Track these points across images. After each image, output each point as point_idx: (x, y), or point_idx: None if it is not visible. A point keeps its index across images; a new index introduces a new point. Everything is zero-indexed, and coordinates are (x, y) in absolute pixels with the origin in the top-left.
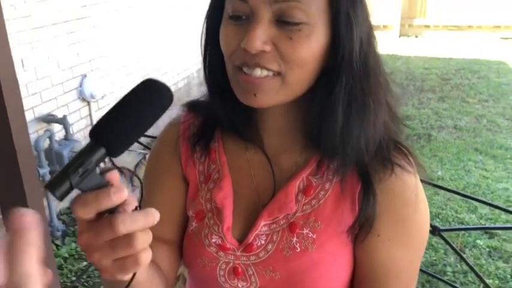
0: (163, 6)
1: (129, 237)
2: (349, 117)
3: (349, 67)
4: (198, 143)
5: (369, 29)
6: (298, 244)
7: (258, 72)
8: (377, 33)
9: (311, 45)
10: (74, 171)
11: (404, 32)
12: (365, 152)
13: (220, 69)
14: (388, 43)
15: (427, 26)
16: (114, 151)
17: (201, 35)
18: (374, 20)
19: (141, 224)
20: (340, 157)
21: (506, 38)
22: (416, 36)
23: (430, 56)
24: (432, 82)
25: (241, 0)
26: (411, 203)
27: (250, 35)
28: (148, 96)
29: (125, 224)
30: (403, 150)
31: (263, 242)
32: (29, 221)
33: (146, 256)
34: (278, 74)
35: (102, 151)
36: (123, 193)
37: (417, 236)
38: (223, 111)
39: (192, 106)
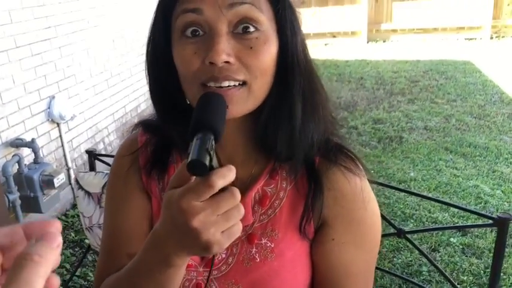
0: (130, 23)
1: (237, 207)
2: (305, 115)
3: (298, 69)
4: (157, 161)
5: (303, 37)
6: (257, 254)
7: (226, 83)
8: (346, 40)
9: (270, 51)
10: (211, 148)
11: (372, 37)
12: (313, 145)
13: (169, 92)
14: (357, 49)
15: (394, 30)
16: (219, 134)
17: (145, 61)
18: (342, 27)
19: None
20: (292, 160)
21: (471, 39)
22: (384, 41)
23: (398, 59)
24: (401, 85)
25: (196, 13)
26: (361, 205)
27: (215, 48)
28: (216, 101)
29: (238, 194)
30: (350, 155)
31: (224, 255)
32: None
33: (241, 225)
34: (244, 83)
35: (211, 136)
36: (233, 168)
37: (370, 237)
38: (176, 133)
39: (146, 126)
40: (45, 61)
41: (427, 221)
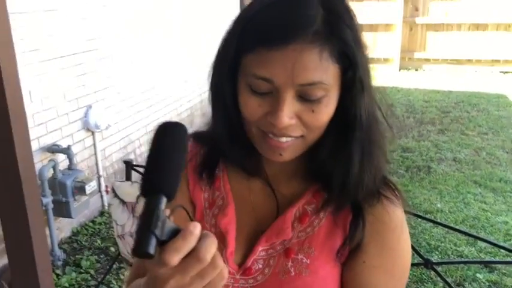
0: (168, 39)
1: (212, 261)
2: (362, 166)
3: (360, 124)
4: (204, 171)
5: (371, 87)
6: (292, 268)
7: (284, 139)
8: (378, 66)
9: (328, 111)
10: (155, 227)
11: (404, 65)
12: (364, 190)
13: (229, 116)
14: (388, 76)
15: (427, 60)
16: (172, 194)
17: (209, 84)
18: (375, 53)
19: (215, 244)
20: (341, 198)
21: (506, 72)
22: (416, 70)
23: (430, 88)
24: (432, 115)
25: (266, 81)
26: (396, 233)
27: (278, 115)
28: (175, 143)
29: (209, 251)
30: (391, 185)
31: (261, 266)
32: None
33: (226, 269)
34: (301, 136)
35: (163, 199)
36: (198, 225)
37: (400, 264)
38: (227, 146)
39: (198, 137)
40: (85, 71)
41: (452, 254)
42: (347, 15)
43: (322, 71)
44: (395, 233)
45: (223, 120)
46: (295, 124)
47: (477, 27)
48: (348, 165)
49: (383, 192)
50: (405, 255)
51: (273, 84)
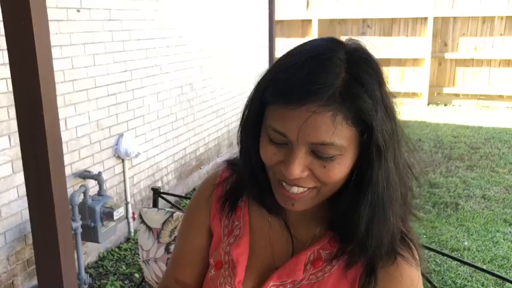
0: (198, 72)
1: None
2: (370, 229)
3: (375, 187)
4: (228, 200)
5: (396, 143)
6: None
7: (295, 189)
8: (406, 100)
9: (342, 170)
10: None
11: (433, 100)
12: (379, 249)
13: (252, 160)
14: (417, 110)
15: (457, 95)
16: None
17: (239, 127)
18: (404, 88)
19: None
20: (351, 251)
21: None
22: (445, 105)
23: (459, 124)
24: (461, 150)
25: (282, 136)
26: None
27: (289, 167)
28: None
29: None
30: (409, 243)
31: None
32: None
33: None
34: (314, 187)
35: None
36: None
37: None
38: (251, 184)
39: (231, 164)
40: (118, 101)
41: None
42: (371, 81)
43: (335, 133)
44: None
45: (248, 163)
46: (307, 177)
47: (508, 63)
48: (356, 224)
49: (399, 250)
50: None
51: (287, 139)
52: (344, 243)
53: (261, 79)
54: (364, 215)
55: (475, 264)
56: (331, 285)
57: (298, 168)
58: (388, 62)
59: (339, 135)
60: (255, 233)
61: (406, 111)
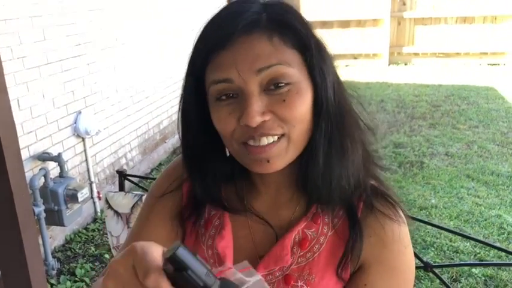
0: (156, 42)
1: None
2: (330, 159)
3: (326, 113)
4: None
5: (337, 77)
6: None
7: (265, 140)
8: (367, 62)
9: (303, 100)
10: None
11: (393, 60)
12: (347, 189)
13: (203, 146)
14: (378, 71)
15: (416, 54)
16: None
17: (178, 116)
18: (364, 49)
19: None
20: (325, 199)
21: (494, 64)
22: (405, 64)
23: (420, 83)
24: (422, 109)
25: (227, 83)
26: (396, 251)
27: (247, 111)
28: None
29: None
30: (390, 201)
31: None
32: None
33: None
34: (282, 135)
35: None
36: None
37: (404, 281)
38: (199, 189)
39: None
40: (73, 77)
41: (448, 249)
42: (293, 11)
43: (277, 53)
44: (395, 252)
45: (193, 153)
46: (270, 120)
47: (464, 20)
48: (315, 157)
49: (381, 209)
50: (408, 272)
51: (234, 83)
52: (315, 199)
53: (189, 58)
54: (320, 143)
55: (441, 224)
56: (323, 264)
57: (257, 110)
58: (348, 23)
59: (283, 56)
60: (234, 222)
61: (367, 72)
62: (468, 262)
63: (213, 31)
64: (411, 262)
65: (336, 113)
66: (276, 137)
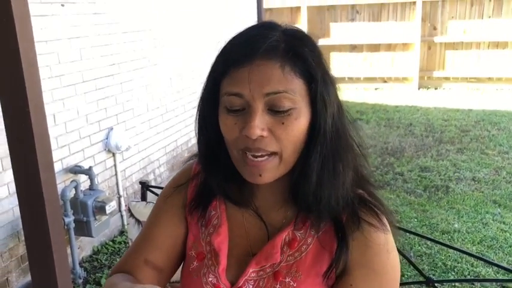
0: (187, 63)
1: None
2: (321, 180)
3: (323, 138)
4: (203, 191)
5: (339, 105)
6: None
7: (259, 154)
8: (397, 86)
9: (299, 126)
10: None
11: (423, 84)
12: (336, 209)
13: (213, 148)
14: (407, 95)
15: (447, 78)
16: None
17: (196, 116)
18: (394, 72)
19: None
20: (315, 214)
21: None
22: (435, 88)
23: (449, 107)
24: (451, 134)
25: (238, 97)
26: (381, 256)
27: (250, 125)
28: None
29: None
30: (373, 209)
31: (251, 286)
32: None
33: None
34: (275, 153)
35: None
36: None
37: (388, 285)
38: (214, 182)
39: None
40: (107, 95)
41: (469, 274)
42: (308, 41)
43: (286, 82)
44: (380, 256)
45: (208, 150)
46: (268, 138)
47: (497, 45)
48: (308, 175)
49: (364, 217)
50: (393, 276)
51: (244, 98)
52: (308, 216)
53: (211, 65)
54: (314, 165)
55: (462, 248)
56: (310, 263)
57: (258, 125)
58: (378, 47)
59: (291, 85)
60: (231, 222)
61: (396, 96)
62: (474, 278)
63: (237, 47)
64: (395, 268)
65: (332, 138)
66: (269, 152)
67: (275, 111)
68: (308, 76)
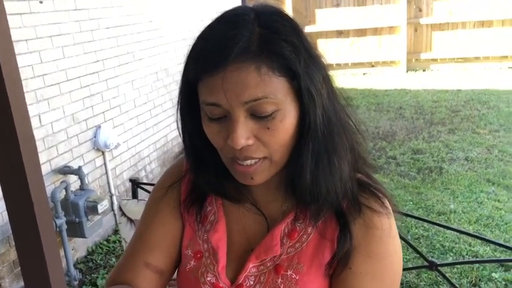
0: (173, 56)
1: None
2: (317, 178)
3: (314, 134)
4: (198, 186)
5: (329, 90)
6: (282, 285)
7: (248, 162)
8: (385, 69)
9: (286, 127)
10: None
11: (411, 66)
12: (335, 200)
13: (202, 146)
14: (396, 78)
15: (434, 60)
16: None
17: (177, 121)
18: (381, 56)
19: None
20: (314, 207)
21: None
22: (423, 70)
23: (439, 88)
24: (442, 115)
25: (216, 106)
26: (383, 240)
27: (232, 136)
28: None
29: None
30: (375, 193)
31: (252, 282)
32: None
33: None
34: (265, 158)
35: None
36: None
37: (390, 270)
38: (202, 181)
39: None
40: (92, 93)
41: (467, 254)
42: (285, 29)
43: (264, 85)
44: (382, 241)
45: (193, 151)
46: (254, 145)
47: (482, 24)
48: (302, 174)
49: (365, 202)
50: (395, 261)
51: (222, 108)
52: (303, 204)
53: (184, 64)
54: (307, 163)
55: (460, 228)
56: (311, 253)
57: (241, 135)
58: (365, 31)
59: (271, 87)
60: (229, 218)
61: (385, 80)
62: (476, 260)
63: (205, 52)
64: (397, 252)
65: (324, 131)
66: (258, 159)
67: (258, 116)
68: (288, 72)
